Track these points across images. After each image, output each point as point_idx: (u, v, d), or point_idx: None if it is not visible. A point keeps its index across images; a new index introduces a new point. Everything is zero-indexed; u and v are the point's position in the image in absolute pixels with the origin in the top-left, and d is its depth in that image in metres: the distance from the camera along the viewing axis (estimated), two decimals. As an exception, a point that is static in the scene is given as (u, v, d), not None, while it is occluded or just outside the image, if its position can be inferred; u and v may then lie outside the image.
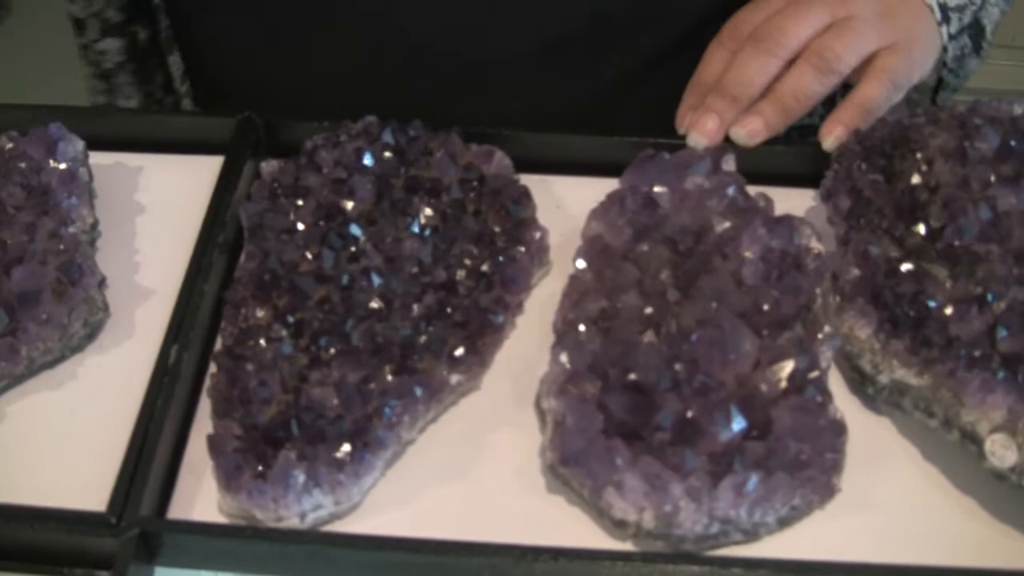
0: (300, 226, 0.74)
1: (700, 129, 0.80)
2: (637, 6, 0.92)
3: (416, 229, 0.74)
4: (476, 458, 0.69)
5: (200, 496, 0.68)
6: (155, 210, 0.82)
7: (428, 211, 0.75)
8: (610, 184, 0.78)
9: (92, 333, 0.74)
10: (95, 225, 0.79)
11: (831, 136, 0.81)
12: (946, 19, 0.86)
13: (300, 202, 0.75)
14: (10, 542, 0.66)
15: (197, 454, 0.69)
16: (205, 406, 0.71)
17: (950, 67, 0.89)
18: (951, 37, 0.87)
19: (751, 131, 0.81)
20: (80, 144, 0.80)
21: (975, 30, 0.89)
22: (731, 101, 0.81)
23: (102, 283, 0.75)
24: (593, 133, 0.83)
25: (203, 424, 0.70)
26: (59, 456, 0.70)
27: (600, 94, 0.96)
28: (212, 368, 0.70)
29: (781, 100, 0.81)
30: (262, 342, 0.69)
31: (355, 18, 0.92)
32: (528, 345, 0.74)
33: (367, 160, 0.76)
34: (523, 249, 0.75)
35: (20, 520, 0.65)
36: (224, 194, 0.79)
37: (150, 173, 0.84)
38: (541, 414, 0.70)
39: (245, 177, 0.80)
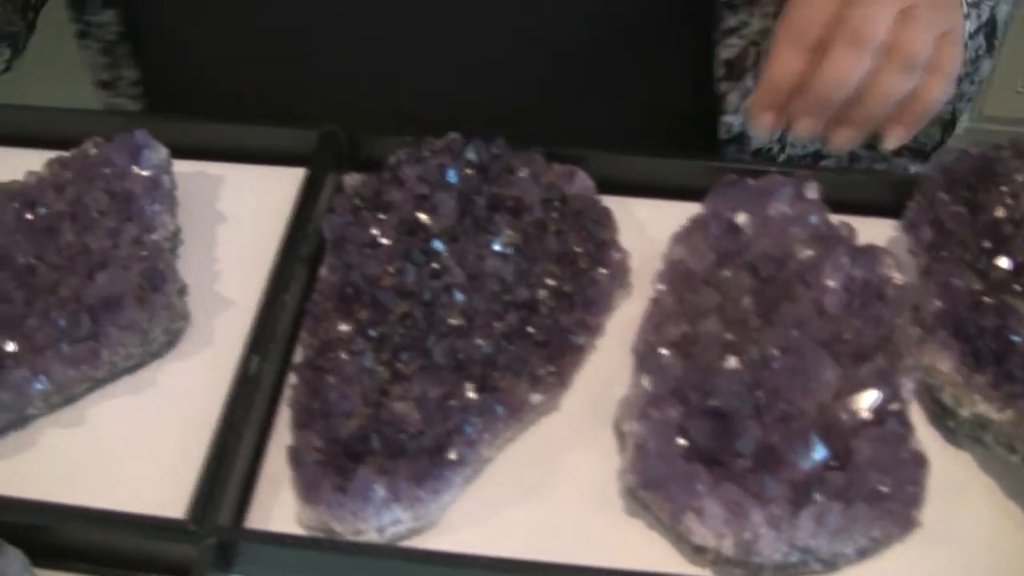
0: (383, 240, 0.74)
1: (803, 130, 0.77)
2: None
3: (498, 247, 0.74)
4: (554, 478, 0.69)
5: (278, 507, 0.68)
6: (235, 220, 0.82)
7: (510, 230, 0.75)
8: (690, 208, 0.78)
9: (172, 340, 0.75)
10: (177, 233, 0.79)
11: (893, 137, 0.78)
12: (967, 14, 0.83)
13: (383, 216, 0.75)
14: (86, 544, 0.66)
15: (275, 465, 0.69)
16: (283, 417, 0.71)
17: (966, 70, 0.86)
18: (970, 36, 0.84)
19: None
20: (164, 152, 0.81)
21: (990, 28, 0.87)
22: (825, 102, 0.77)
23: (183, 291, 0.75)
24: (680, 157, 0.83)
25: (281, 435, 0.70)
26: (136, 460, 0.70)
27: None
28: (292, 379, 0.70)
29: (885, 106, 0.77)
30: (343, 355, 0.69)
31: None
32: (607, 366, 0.73)
33: (450, 177, 0.76)
34: (604, 270, 0.75)
35: (98, 523, 0.66)
36: (306, 206, 0.79)
37: (231, 183, 0.85)
38: (620, 436, 0.70)
39: (327, 190, 0.80)
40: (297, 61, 0.95)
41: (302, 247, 0.77)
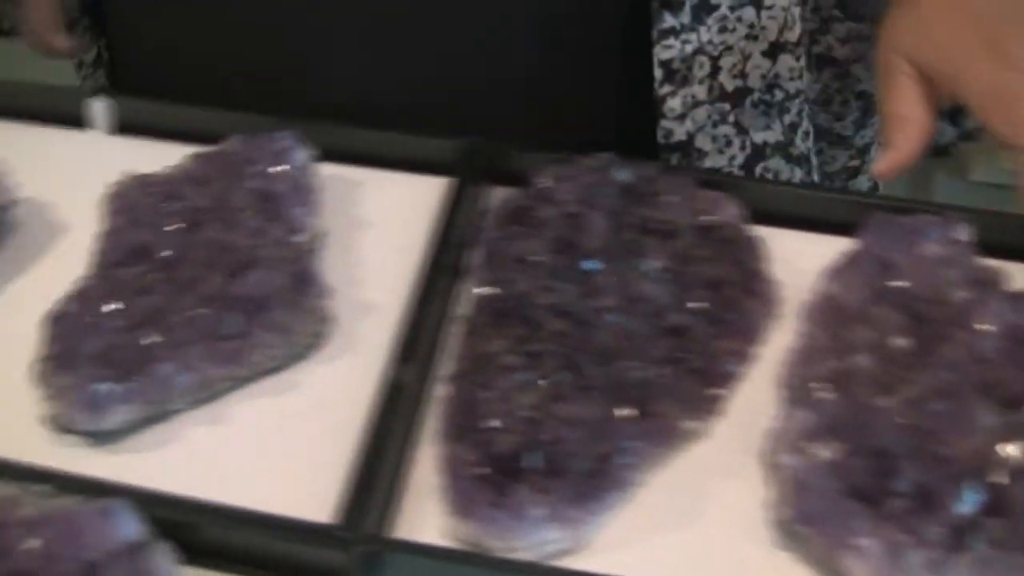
0: (535, 258, 0.74)
1: None
2: None
3: (649, 270, 0.74)
4: (702, 505, 0.68)
5: (423, 517, 0.67)
6: (375, 225, 0.82)
7: (660, 254, 0.74)
8: (834, 241, 0.78)
9: (315, 343, 0.74)
10: (319, 235, 0.78)
11: None
12: None
13: (534, 233, 0.75)
14: (225, 543, 0.65)
15: (421, 475, 0.69)
16: (427, 428, 0.70)
17: None
18: None
19: None
20: (308, 154, 0.80)
21: None
22: None
23: (327, 294, 0.75)
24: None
25: (425, 445, 0.70)
26: (277, 461, 0.70)
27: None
28: (444, 391, 0.70)
29: None
30: (498, 371, 0.69)
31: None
32: (752, 396, 0.73)
33: (601, 197, 0.76)
34: (755, 300, 0.75)
35: (247, 524, 0.65)
36: (451, 217, 0.78)
37: (370, 188, 0.84)
38: (769, 468, 0.69)
39: (471, 201, 0.80)
40: (253, 38, 0.96)
41: (448, 258, 0.76)
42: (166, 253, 0.75)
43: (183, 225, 0.76)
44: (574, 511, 0.65)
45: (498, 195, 0.80)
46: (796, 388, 0.70)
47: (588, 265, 0.73)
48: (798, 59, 0.93)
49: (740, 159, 0.94)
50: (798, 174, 0.97)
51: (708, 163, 0.93)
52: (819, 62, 1.02)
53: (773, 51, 0.92)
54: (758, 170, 0.95)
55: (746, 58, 0.91)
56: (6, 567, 0.60)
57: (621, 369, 0.69)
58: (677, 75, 0.90)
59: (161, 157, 0.84)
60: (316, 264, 0.76)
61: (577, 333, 0.70)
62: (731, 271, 0.75)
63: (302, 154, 0.80)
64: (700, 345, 0.72)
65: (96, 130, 0.90)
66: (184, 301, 0.72)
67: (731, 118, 0.93)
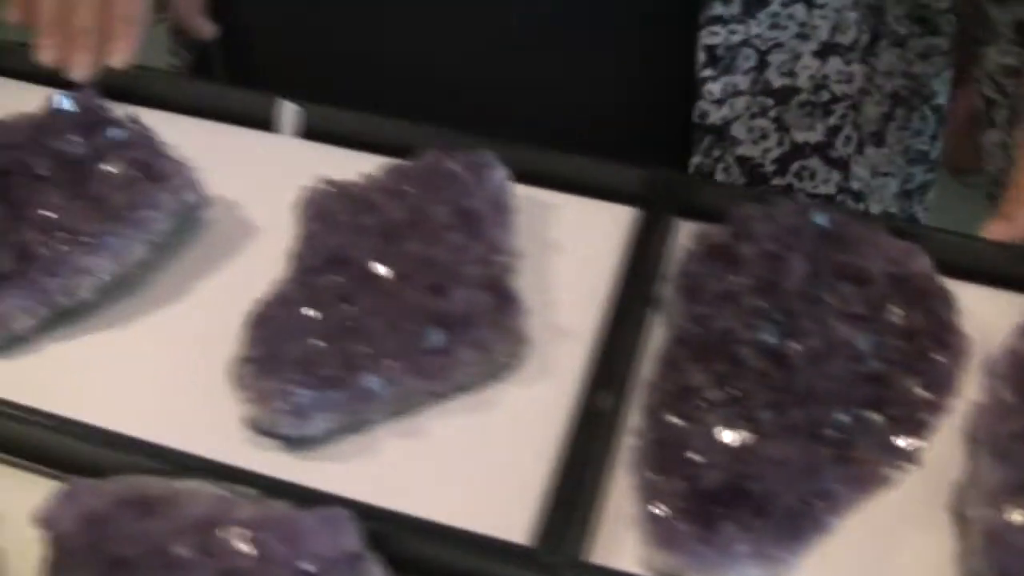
0: (736, 295, 0.74)
1: None
2: None
3: (846, 316, 0.74)
4: (892, 553, 0.68)
5: (621, 546, 0.68)
6: (565, 249, 0.82)
7: (857, 300, 0.75)
8: (1016, 299, 0.78)
9: (512, 363, 0.75)
10: (517, 256, 0.79)
11: None
12: None
13: (735, 271, 0.75)
14: (417, 557, 0.66)
15: (615, 503, 0.69)
16: (622, 456, 0.71)
17: None
18: None
19: None
20: (506, 173, 0.81)
21: None
22: None
23: (525, 315, 0.75)
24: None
25: (620, 473, 0.70)
26: (471, 479, 0.71)
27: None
28: (642, 421, 0.71)
29: None
30: (702, 405, 0.69)
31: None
32: (943, 447, 0.73)
33: (800, 239, 0.76)
34: (947, 352, 0.75)
35: (452, 542, 0.66)
36: (643, 247, 0.79)
37: (559, 211, 0.85)
38: (959, 520, 0.69)
39: (663, 232, 0.81)
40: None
41: (642, 288, 0.77)
42: (364, 263, 0.76)
43: (380, 236, 0.77)
44: (776, 550, 0.65)
45: (686, 228, 0.80)
46: (987, 443, 0.70)
47: (789, 306, 0.74)
48: (848, 63, 0.94)
49: (776, 154, 0.95)
50: (835, 177, 0.98)
51: (740, 152, 0.95)
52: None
53: (824, 52, 0.93)
54: (793, 167, 0.96)
55: (796, 57, 0.92)
56: (219, 567, 0.61)
57: (822, 412, 0.70)
58: (720, 62, 0.91)
59: (348, 164, 0.85)
60: (515, 285, 0.77)
61: (777, 373, 0.71)
62: (924, 322, 0.76)
63: (501, 173, 0.81)
64: (898, 393, 0.72)
65: (284, 134, 0.91)
66: (386, 313, 0.73)
67: (772, 113, 0.94)
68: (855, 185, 0.99)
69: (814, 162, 0.97)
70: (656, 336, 0.77)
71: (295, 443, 0.71)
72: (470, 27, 0.96)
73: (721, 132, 0.94)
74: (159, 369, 0.76)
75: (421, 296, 0.74)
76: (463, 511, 0.68)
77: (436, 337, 0.72)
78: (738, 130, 0.94)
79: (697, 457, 0.67)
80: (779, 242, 0.76)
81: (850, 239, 0.78)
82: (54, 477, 0.70)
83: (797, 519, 0.66)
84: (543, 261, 0.81)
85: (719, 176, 0.96)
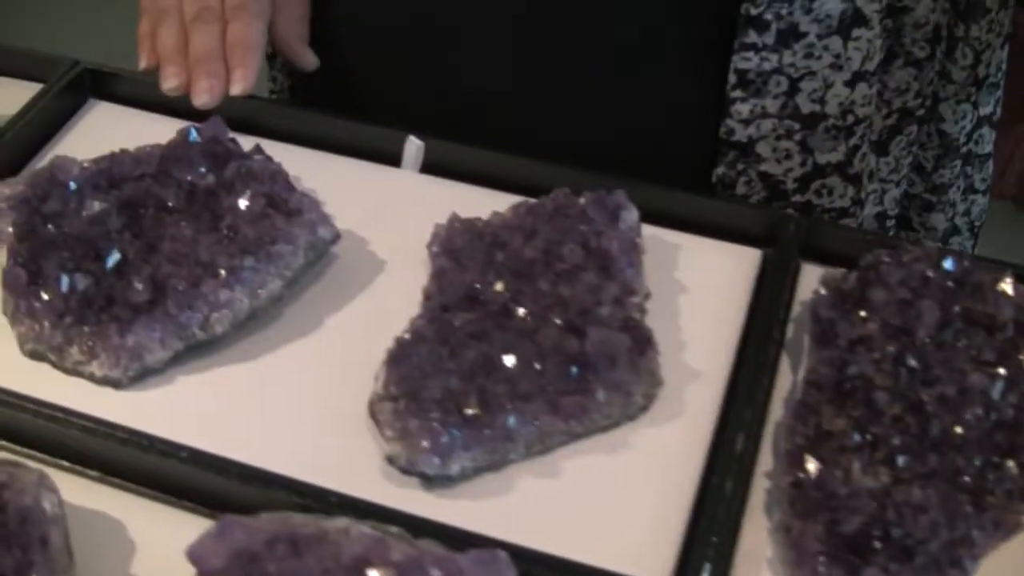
0: (869, 340, 0.75)
1: None
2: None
3: (979, 363, 0.74)
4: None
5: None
6: (692, 290, 0.83)
7: (987, 347, 0.75)
8: None
9: (647, 404, 0.75)
10: (648, 297, 0.80)
11: None
12: None
13: (865, 315, 0.76)
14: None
15: (751, 544, 0.70)
16: (756, 498, 0.72)
17: None
18: None
19: None
20: (637, 214, 0.81)
21: None
22: None
23: (659, 355, 0.76)
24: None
25: (757, 515, 0.71)
26: (608, 519, 0.71)
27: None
28: (779, 463, 0.71)
29: None
30: (842, 450, 0.70)
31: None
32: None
33: (931, 285, 0.77)
34: (1078, 400, 0.75)
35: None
36: (772, 289, 0.80)
37: (683, 251, 0.86)
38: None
39: (788, 274, 0.81)
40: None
41: (772, 330, 0.78)
42: (498, 301, 0.76)
43: (513, 274, 0.78)
44: (923, 597, 0.66)
45: (808, 269, 0.81)
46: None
47: (922, 352, 0.74)
48: (871, 86, 0.95)
49: (798, 173, 0.97)
50: (850, 192, 0.99)
51: (763, 168, 0.96)
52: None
53: (854, 80, 0.94)
54: (814, 185, 0.98)
55: (828, 86, 0.93)
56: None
57: (958, 458, 0.70)
58: (751, 85, 0.93)
59: (471, 200, 0.86)
60: (650, 326, 0.77)
61: (913, 419, 0.71)
62: (1054, 369, 0.76)
63: (633, 214, 0.81)
64: (1031, 441, 0.73)
65: (407, 168, 0.91)
66: (523, 352, 0.74)
67: (798, 136, 0.95)
68: (863, 195, 1.01)
69: (834, 180, 0.98)
70: (784, 378, 0.77)
71: (433, 481, 0.72)
72: (537, 60, 0.98)
73: (746, 148, 0.96)
74: (294, 404, 0.77)
75: (557, 335, 0.74)
76: (600, 551, 0.69)
77: (576, 378, 0.73)
78: (763, 148, 0.95)
79: (840, 502, 0.68)
80: (910, 288, 0.77)
81: (978, 285, 0.78)
82: (194, 511, 0.71)
83: (938, 565, 0.67)
84: (670, 301, 0.82)
85: (740, 189, 0.98)
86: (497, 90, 0.99)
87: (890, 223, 1.05)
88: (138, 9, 0.98)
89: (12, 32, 2.80)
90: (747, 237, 0.86)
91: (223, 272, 0.78)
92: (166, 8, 0.95)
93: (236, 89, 0.92)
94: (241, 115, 0.92)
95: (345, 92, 1.07)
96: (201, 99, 0.91)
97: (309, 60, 1.01)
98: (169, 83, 0.92)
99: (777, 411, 0.76)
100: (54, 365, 0.78)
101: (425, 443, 0.70)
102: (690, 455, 0.73)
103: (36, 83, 0.97)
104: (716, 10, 0.92)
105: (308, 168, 0.88)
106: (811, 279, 0.82)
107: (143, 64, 0.96)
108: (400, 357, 0.74)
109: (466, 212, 0.84)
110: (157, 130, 0.89)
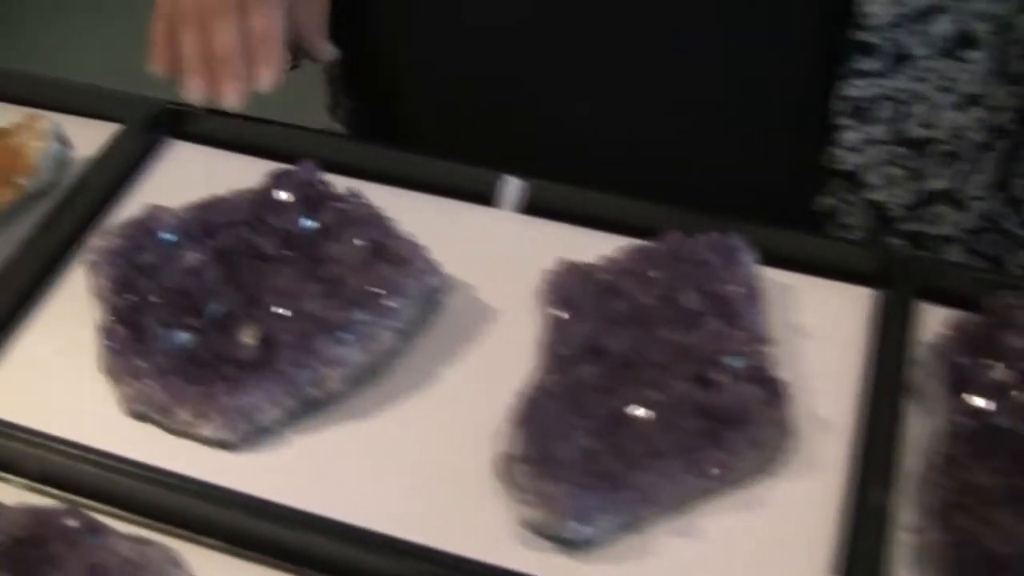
0: (1009, 388, 0.73)
1: None
2: None
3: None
4: None
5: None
6: (811, 333, 0.81)
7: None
8: None
9: (776, 456, 0.74)
10: (770, 341, 0.78)
11: None
12: None
13: (1003, 363, 0.74)
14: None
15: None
16: (899, 553, 0.70)
17: None
18: None
19: None
20: (754, 257, 0.80)
21: None
22: None
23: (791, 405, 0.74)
24: None
25: (902, 572, 0.70)
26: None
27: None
28: (927, 520, 0.70)
29: None
30: (996, 505, 0.69)
31: None
32: None
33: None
34: None
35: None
36: (891, 332, 0.79)
37: (797, 293, 0.84)
38: None
39: (909, 317, 0.80)
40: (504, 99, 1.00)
41: (896, 375, 0.76)
42: (621, 352, 0.75)
43: (633, 323, 0.76)
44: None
45: (924, 310, 0.79)
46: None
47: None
48: (981, 108, 0.93)
49: (906, 199, 0.95)
50: (957, 218, 0.98)
51: (871, 196, 0.94)
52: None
53: (963, 103, 0.92)
54: (919, 212, 0.96)
55: (936, 109, 0.92)
56: None
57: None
58: (859, 112, 0.91)
59: (575, 242, 0.84)
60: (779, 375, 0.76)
61: (1057, 470, 0.70)
62: None
63: (750, 256, 0.80)
64: None
65: (505, 209, 0.89)
66: (653, 406, 0.72)
67: (907, 163, 0.93)
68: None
69: (940, 207, 0.97)
70: (913, 425, 0.76)
71: (569, 544, 0.70)
72: (629, 96, 0.97)
73: (852, 176, 0.94)
74: (413, 464, 0.74)
75: (687, 388, 0.73)
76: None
77: (709, 432, 0.71)
78: (872, 176, 0.94)
79: (1002, 562, 0.66)
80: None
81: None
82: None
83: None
84: (787, 345, 0.80)
85: (844, 218, 0.96)
86: (585, 128, 0.98)
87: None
88: (141, 24, 0.97)
89: (18, 47, 2.72)
90: (857, 275, 0.84)
91: (336, 327, 0.76)
92: (184, 10, 0.92)
93: (262, 85, 0.91)
94: (327, 155, 0.89)
95: (417, 127, 1.06)
96: (229, 101, 0.91)
97: (327, 51, 0.99)
98: (194, 93, 0.92)
99: (907, 458, 0.74)
100: (160, 425, 0.76)
101: (567, 507, 0.69)
102: (826, 509, 0.72)
103: (107, 121, 0.95)
104: (818, 37, 0.90)
105: (400, 209, 0.85)
106: (924, 318, 0.80)
107: (159, 71, 0.94)
108: (530, 415, 0.72)
109: (569, 254, 0.82)
110: (237, 168, 0.87)
